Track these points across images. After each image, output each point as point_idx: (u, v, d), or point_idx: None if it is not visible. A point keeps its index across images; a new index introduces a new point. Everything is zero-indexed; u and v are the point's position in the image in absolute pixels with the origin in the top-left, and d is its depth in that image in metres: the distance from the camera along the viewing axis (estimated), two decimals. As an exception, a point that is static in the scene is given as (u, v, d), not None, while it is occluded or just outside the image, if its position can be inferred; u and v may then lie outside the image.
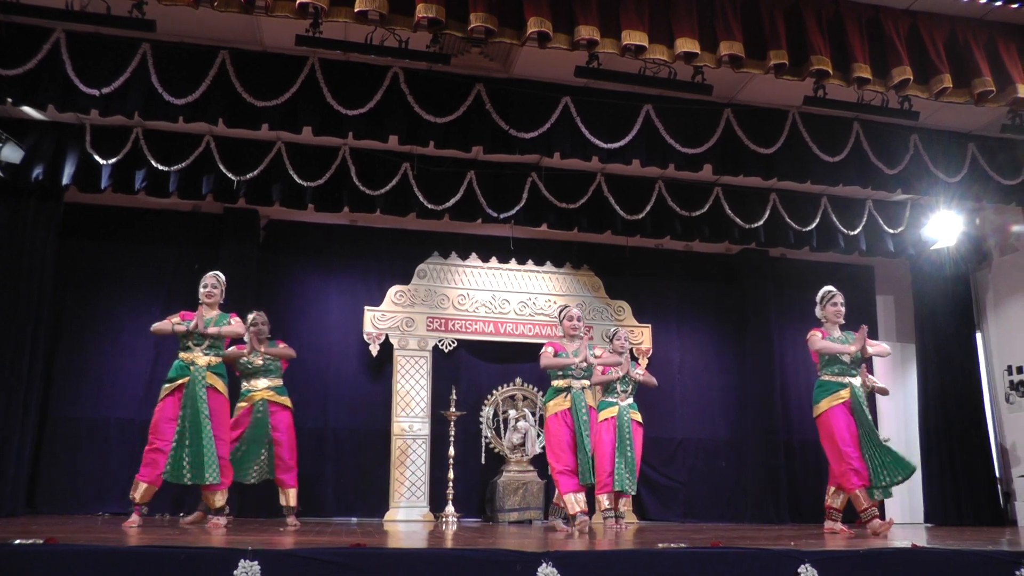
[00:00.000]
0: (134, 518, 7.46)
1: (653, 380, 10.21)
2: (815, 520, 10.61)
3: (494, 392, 11.87)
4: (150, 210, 11.02)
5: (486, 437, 11.66)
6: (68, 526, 7.27)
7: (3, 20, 7.86)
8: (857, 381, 7.88)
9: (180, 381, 7.72)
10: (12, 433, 9.54)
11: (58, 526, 7.17)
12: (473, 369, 11.96)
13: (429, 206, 10.05)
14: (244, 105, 8.34)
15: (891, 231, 11.39)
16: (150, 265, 10.87)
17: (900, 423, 12.67)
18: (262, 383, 8.91)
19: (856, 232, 11.20)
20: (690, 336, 12.85)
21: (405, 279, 11.76)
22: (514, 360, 12.05)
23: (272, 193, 9.96)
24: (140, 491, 7.59)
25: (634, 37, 7.33)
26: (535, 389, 11.93)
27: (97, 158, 9.38)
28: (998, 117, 9.08)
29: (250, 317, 9.04)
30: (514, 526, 10.19)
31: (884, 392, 8.79)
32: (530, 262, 12.19)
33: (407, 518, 10.81)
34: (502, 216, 10.37)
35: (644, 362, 12.05)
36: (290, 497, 8.88)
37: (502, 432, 11.66)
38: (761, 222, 10.88)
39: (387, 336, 11.42)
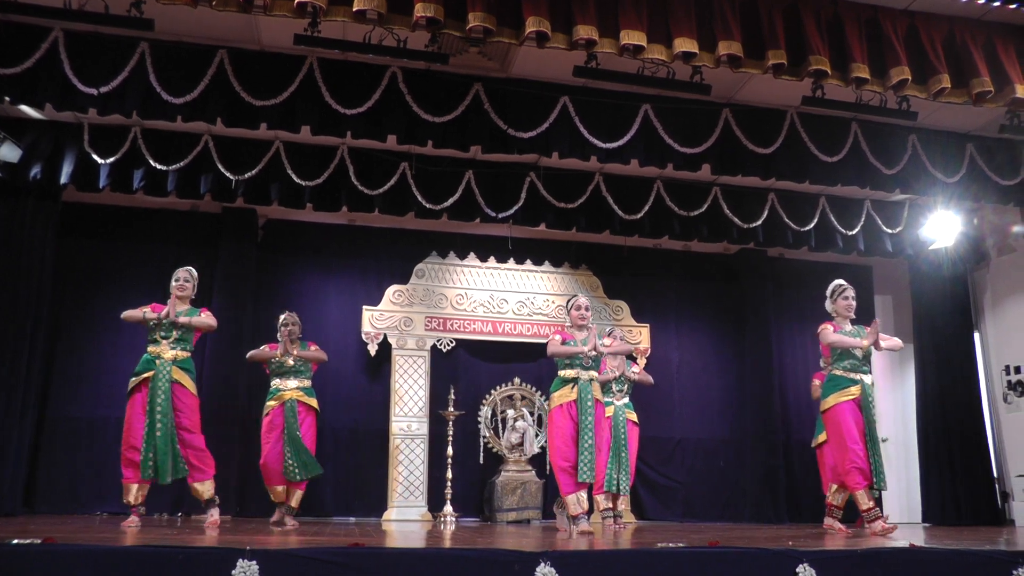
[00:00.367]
0: (132, 519, 7.42)
1: (649, 379, 10.21)
2: (813, 520, 10.62)
3: (492, 392, 11.87)
4: (148, 209, 11.03)
5: (484, 437, 11.66)
6: (66, 526, 7.26)
7: (1, 19, 7.86)
8: (868, 378, 7.76)
9: (146, 375, 7.62)
10: (10, 432, 9.53)
11: (56, 526, 7.17)
12: (471, 369, 11.96)
13: (427, 206, 10.05)
14: (242, 104, 8.33)
15: (889, 231, 11.39)
16: (148, 264, 10.85)
17: (898, 423, 12.68)
18: (292, 383, 8.88)
19: (854, 232, 11.21)
20: (688, 336, 12.86)
21: (403, 279, 11.76)
22: (512, 360, 12.05)
23: (270, 192, 9.96)
24: (132, 493, 7.55)
25: (632, 37, 7.33)
26: (533, 389, 11.94)
27: (95, 157, 9.38)
28: (996, 117, 9.08)
29: (281, 318, 9.08)
30: (512, 526, 10.19)
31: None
32: (528, 262, 12.20)
33: (405, 518, 10.81)
34: (500, 216, 10.37)
35: (643, 362, 12.06)
36: (295, 498, 8.86)
37: (500, 432, 11.66)
38: (759, 222, 10.88)
39: (385, 336, 11.43)
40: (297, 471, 8.62)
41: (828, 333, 7.86)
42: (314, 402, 8.97)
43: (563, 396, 7.57)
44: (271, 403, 8.83)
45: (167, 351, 7.69)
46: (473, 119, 8.82)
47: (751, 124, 9.38)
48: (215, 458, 10.45)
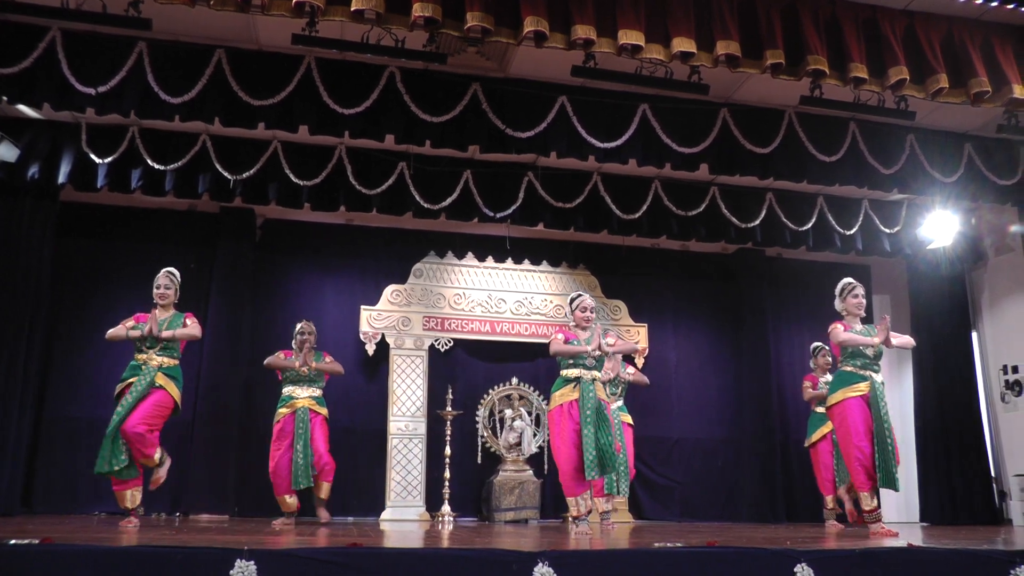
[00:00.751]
0: (132, 519, 7.36)
1: (644, 379, 10.21)
2: (811, 519, 10.62)
3: (490, 391, 11.87)
4: (146, 209, 11.02)
5: (482, 436, 11.66)
6: (64, 526, 7.25)
7: (-1, 18, 7.87)
8: (879, 377, 7.58)
9: (130, 380, 7.55)
10: (8, 432, 9.52)
11: (54, 526, 7.15)
12: (469, 368, 11.97)
13: (425, 205, 10.06)
14: (240, 104, 8.33)
15: (887, 231, 11.40)
16: (146, 264, 10.77)
17: (896, 422, 12.52)
18: (305, 392, 8.93)
19: (852, 232, 11.21)
20: (686, 335, 12.86)
21: (401, 278, 11.77)
22: (510, 359, 12.06)
23: (268, 192, 9.96)
24: (126, 499, 7.51)
25: (630, 37, 7.34)
26: (531, 388, 11.94)
27: (93, 157, 9.37)
28: (994, 117, 9.09)
29: (298, 326, 9.15)
30: (510, 525, 10.19)
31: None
32: (526, 261, 12.20)
33: (403, 518, 10.81)
34: (498, 215, 10.36)
35: (640, 361, 12.07)
36: (324, 490, 9.00)
37: (498, 431, 11.66)
38: (757, 222, 10.89)
39: (383, 335, 11.43)
40: (301, 479, 8.65)
41: (838, 332, 7.66)
42: (324, 410, 9.06)
43: (564, 396, 7.41)
44: (282, 410, 8.86)
45: (153, 359, 7.63)
46: (471, 119, 8.82)
47: (749, 124, 9.39)
48: (212, 457, 10.54)
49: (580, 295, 7.85)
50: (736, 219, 10.81)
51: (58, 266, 10.49)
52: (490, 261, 12.12)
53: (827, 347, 10.52)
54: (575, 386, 7.38)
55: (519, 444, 11.47)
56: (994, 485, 11.63)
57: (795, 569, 4.34)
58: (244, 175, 9.64)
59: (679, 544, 4.84)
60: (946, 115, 9.62)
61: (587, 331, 7.61)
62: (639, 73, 7.93)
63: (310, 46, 7.30)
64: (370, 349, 11.31)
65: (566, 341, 7.54)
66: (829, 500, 10.19)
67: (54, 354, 10.60)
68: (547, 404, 11.65)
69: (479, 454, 11.58)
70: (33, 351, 9.99)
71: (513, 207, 10.34)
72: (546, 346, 11.87)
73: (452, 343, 11.80)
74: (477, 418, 11.72)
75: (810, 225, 11.06)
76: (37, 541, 4.01)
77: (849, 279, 7.94)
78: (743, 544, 5.09)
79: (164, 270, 8.00)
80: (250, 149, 9.74)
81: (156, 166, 9.45)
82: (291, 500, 8.84)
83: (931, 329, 12.10)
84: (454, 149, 9.33)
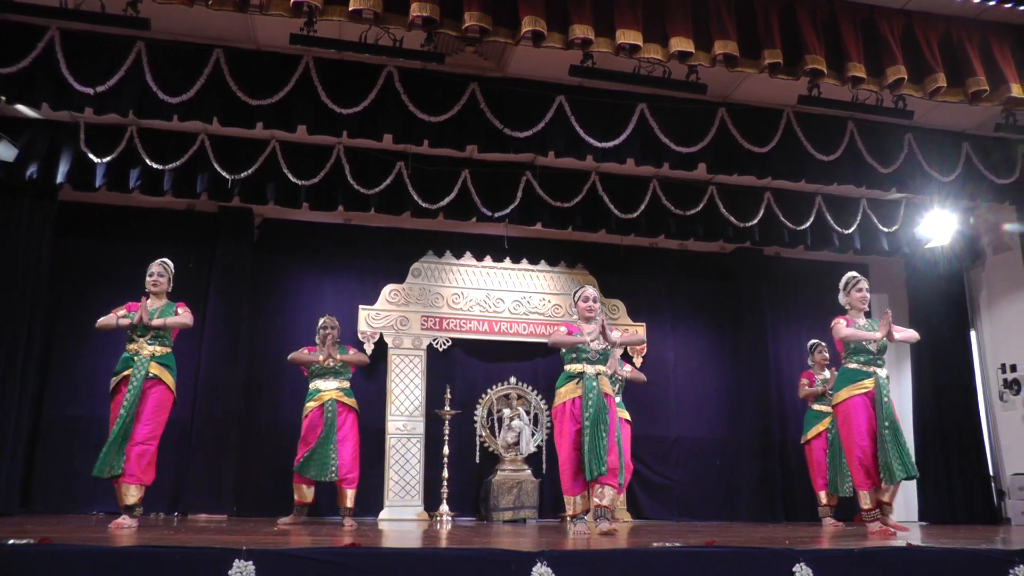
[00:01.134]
0: (124, 518, 7.24)
1: (642, 376, 10.22)
2: (810, 519, 10.63)
3: (488, 391, 11.87)
4: (145, 209, 11.01)
5: (480, 436, 11.66)
6: (63, 526, 7.25)
7: (-3, 18, 7.86)
8: (883, 372, 7.54)
9: (125, 373, 7.45)
10: (7, 432, 9.52)
11: (53, 526, 7.15)
12: (467, 368, 11.96)
13: (423, 205, 10.05)
14: (238, 104, 8.33)
15: (885, 230, 11.41)
16: (145, 264, 10.62)
17: (895, 421, 12.69)
18: (332, 384, 8.91)
19: (850, 231, 11.22)
20: (685, 335, 12.87)
21: (400, 278, 11.76)
22: (508, 359, 12.06)
23: (267, 192, 9.96)
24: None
25: (628, 36, 7.34)
26: (529, 388, 11.94)
27: (92, 157, 9.37)
28: (992, 116, 9.10)
29: (321, 321, 9.15)
30: (508, 525, 10.20)
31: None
32: (524, 261, 12.20)
33: (401, 517, 10.81)
34: (496, 215, 10.36)
35: (639, 361, 12.08)
36: (348, 498, 8.85)
37: (496, 431, 11.66)
38: (755, 221, 10.90)
39: (381, 335, 11.43)
40: (332, 472, 8.66)
41: (840, 327, 7.63)
42: (353, 402, 9.00)
43: (567, 393, 7.28)
44: (310, 404, 8.87)
45: (145, 348, 7.54)
46: (469, 118, 8.82)
47: (747, 123, 9.39)
48: (210, 457, 10.53)
49: (583, 287, 7.76)
50: (734, 218, 10.82)
51: (57, 266, 10.48)
52: (488, 260, 12.12)
53: (824, 344, 10.56)
54: (578, 382, 7.23)
55: (517, 444, 11.48)
56: (992, 484, 11.63)
57: (794, 569, 4.35)
58: (242, 175, 9.64)
59: (678, 544, 4.84)
60: (944, 114, 9.62)
61: (591, 324, 7.44)
62: (637, 73, 7.94)
63: (308, 46, 7.30)
64: (368, 349, 11.29)
65: (569, 335, 7.42)
66: (822, 496, 10.27)
67: (53, 354, 10.59)
68: (545, 404, 11.75)
69: (477, 454, 11.58)
70: (32, 351, 9.99)
71: (511, 207, 10.34)
72: (545, 346, 11.93)
73: (450, 343, 11.80)
74: (475, 418, 11.71)
75: (808, 224, 11.07)
76: (35, 541, 4.01)
77: (853, 273, 7.89)
78: (742, 544, 5.10)
79: (158, 260, 7.96)
80: (248, 149, 9.74)
81: (154, 166, 9.44)
82: (308, 490, 8.83)
83: (929, 328, 12.09)
84: (452, 149, 9.33)
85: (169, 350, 7.70)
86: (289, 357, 9.16)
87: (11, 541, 3.94)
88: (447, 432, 10.61)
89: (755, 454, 12.20)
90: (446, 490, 10.41)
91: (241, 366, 10.97)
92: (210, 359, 10.82)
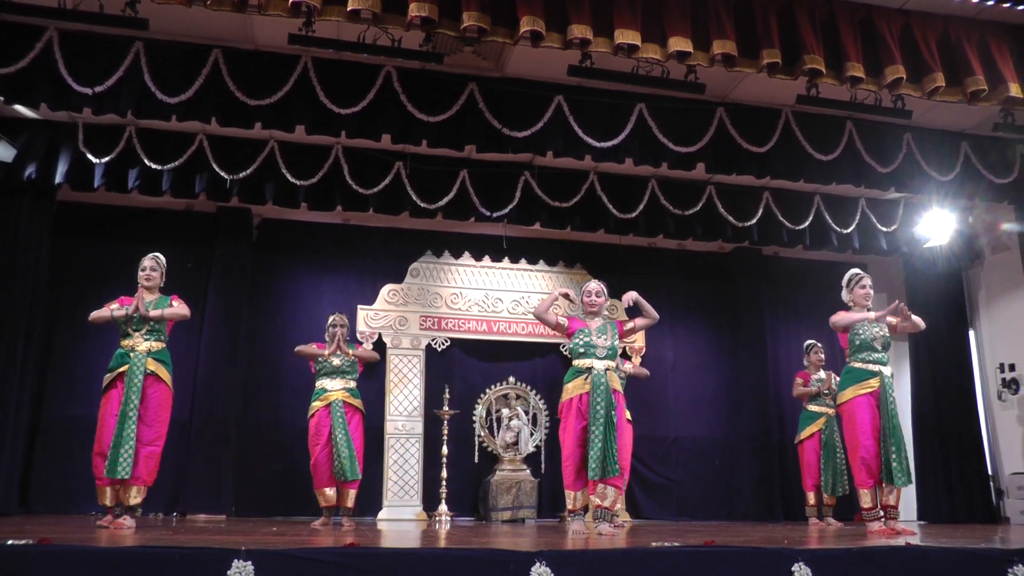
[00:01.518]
0: (108, 518, 7.14)
1: (644, 371, 10.22)
2: (808, 518, 10.62)
3: (487, 391, 11.88)
4: (144, 209, 11.02)
5: (479, 436, 11.66)
6: (62, 526, 7.24)
7: (-4, 18, 7.86)
8: (887, 370, 7.50)
9: (120, 370, 7.28)
10: (6, 432, 9.53)
11: (52, 526, 7.15)
12: (466, 368, 11.97)
13: (422, 205, 10.06)
14: (237, 104, 8.32)
15: (884, 229, 11.41)
16: (144, 264, 10.85)
17: (895, 420, 12.69)
18: (339, 384, 8.84)
19: (849, 230, 11.22)
20: (683, 334, 12.87)
21: (398, 278, 11.77)
22: (507, 359, 12.07)
23: (265, 192, 9.96)
24: (107, 496, 7.22)
25: (627, 36, 7.34)
26: (528, 388, 11.94)
27: (90, 157, 9.37)
28: (990, 116, 9.10)
29: (331, 319, 9.08)
30: (507, 525, 10.20)
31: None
32: (523, 261, 12.20)
33: (400, 517, 10.82)
34: (495, 215, 10.36)
35: (637, 360, 12.08)
36: (349, 498, 8.82)
37: (495, 431, 11.66)
38: (754, 220, 10.90)
39: (380, 335, 11.43)
40: (347, 471, 8.58)
41: (837, 316, 7.63)
42: (359, 403, 8.94)
43: (574, 388, 7.16)
44: (316, 404, 8.80)
45: (141, 343, 7.36)
46: (468, 118, 8.82)
47: (746, 123, 9.39)
48: (210, 457, 10.54)
49: (588, 282, 7.71)
50: (733, 218, 10.82)
51: (55, 266, 10.49)
52: (487, 260, 12.13)
53: (820, 345, 10.57)
54: (587, 378, 7.11)
55: (516, 443, 11.48)
56: (991, 483, 11.64)
57: (793, 568, 4.34)
58: (241, 175, 9.63)
59: (677, 544, 4.84)
60: (942, 114, 9.62)
61: (598, 319, 7.43)
62: (635, 72, 7.94)
63: (307, 46, 7.29)
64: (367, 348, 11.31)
65: (572, 330, 7.36)
66: (811, 497, 10.33)
67: (52, 354, 10.60)
68: (544, 403, 11.76)
69: (476, 453, 11.58)
70: (31, 351, 10.00)
71: (510, 206, 10.34)
72: (543, 345, 11.99)
73: (449, 342, 11.81)
74: (474, 417, 11.72)
75: (807, 224, 11.08)
76: (34, 541, 4.00)
77: (856, 270, 7.84)
78: (741, 543, 5.10)
79: (151, 254, 7.82)
80: (247, 149, 9.74)
81: (153, 166, 9.43)
82: (330, 493, 8.76)
83: (928, 327, 12.06)
84: (451, 149, 9.31)
85: (165, 345, 7.54)
86: (296, 349, 9.10)
87: (10, 541, 3.94)
88: (446, 432, 10.60)
89: (754, 453, 12.22)
90: (445, 490, 10.40)
91: (240, 366, 10.97)
92: (209, 359, 10.83)
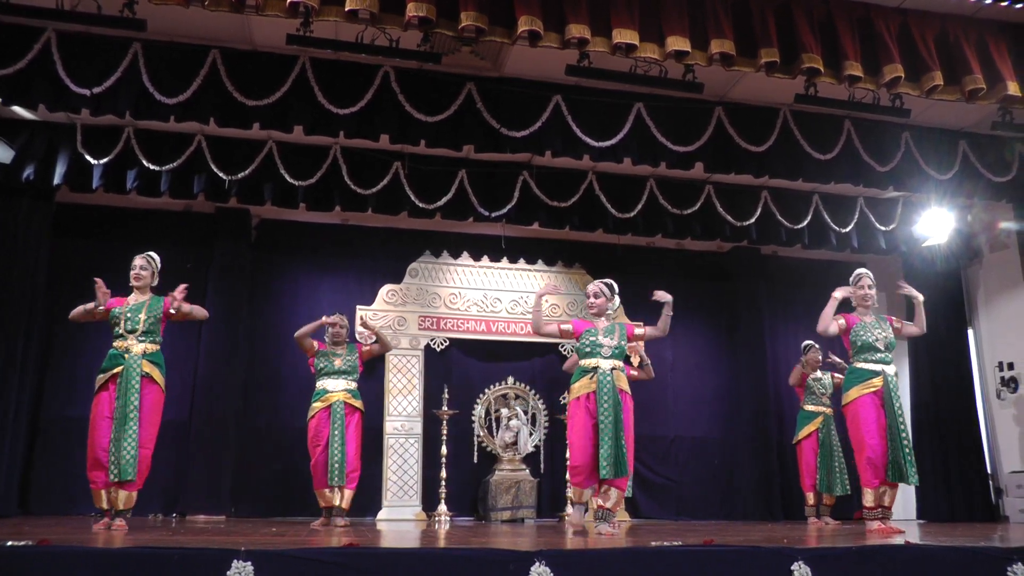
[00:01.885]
0: (105, 520, 7.07)
1: (649, 372, 10.21)
2: (807, 518, 10.63)
3: (486, 391, 11.87)
4: (142, 210, 11.02)
5: (478, 436, 11.66)
6: (61, 527, 7.24)
7: (-7, 20, 7.86)
8: (891, 370, 7.54)
9: (114, 371, 7.17)
10: (5, 433, 9.54)
11: (51, 527, 7.14)
12: (465, 368, 11.97)
13: (421, 205, 10.06)
14: (235, 104, 8.32)
15: (883, 228, 11.42)
16: (142, 265, 10.84)
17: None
18: (340, 384, 8.84)
19: (848, 229, 11.23)
20: (682, 334, 12.83)
21: (397, 278, 11.77)
22: (506, 359, 12.07)
23: (264, 192, 9.95)
24: (103, 499, 7.15)
25: (625, 36, 7.34)
26: (527, 388, 11.94)
27: (88, 158, 9.37)
28: (989, 114, 9.11)
29: (331, 319, 9.10)
30: (506, 525, 10.20)
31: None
32: (522, 260, 12.20)
33: (399, 517, 10.81)
34: (494, 215, 10.36)
35: (636, 359, 12.06)
36: (345, 499, 8.78)
37: (494, 431, 11.66)
38: (752, 220, 10.91)
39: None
40: (336, 475, 8.57)
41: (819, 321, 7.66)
42: (360, 403, 8.93)
43: (580, 388, 7.12)
44: (316, 404, 8.79)
45: (136, 345, 7.26)
46: (466, 118, 8.83)
47: (744, 122, 9.40)
48: (209, 457, 10.54)
49: (591, 283, 7.63)
50: (731, 217, 10.82)
51: (54, 267, 10.49)
52: (485, 260, 12.12)
53: (817, 345, 10.56)
54: (592, 377, 7.07)
55: (515, 443, 11.48)
56: (990, 482, 11.64)
57: (792, 567, 4.34)
58: (239, 175, 9.63)
59: (676, 543, 4.84)
60: (941, 112, 9.63)
61: (604, 320, 7.39)
62: (633, 72, 7.94)
63: (305, 46, 7.29)
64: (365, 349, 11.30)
65: (579, 332, 7.31)
66: (810, 497, 10.33)
67: (52, 354, 10.60)
68: (543, 403, 11.76)
69: (475, 453, 11.59)
70: (30, 352, 10.00)
71: (508, 206, 10.34)
72: (542, 345, 11.98)
73: (448, 343, 11.80)
74: (473, 417, 11.72)
75: (806, 223, 11.08)
76: (34, 542, 4.00)
77: (861, 270, 7.87)
78: (740, 543, 5.10)
79: (142, 253, 7.78)
80: (245, 149, 9.73)
81: (151, 167, 9.43)
82: (330, 494, 8.73)
83: (927, 326, 12.11)
84: (449, 149, 9.30)
85: (159, 347, 7.45)
86: (296, 334, 9.07)
87: (10, 543, 3.94)
88: (445, 432, 10.59)
89: (753, 453, 12.22)
90: (444, 490, 10.39)
91: (239, 366, 10.97)
92: (208, 359, 10.83)
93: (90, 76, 7.97)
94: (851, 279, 7.81)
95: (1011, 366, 11.34)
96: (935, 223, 11.44)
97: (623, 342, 7.34)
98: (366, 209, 10.19)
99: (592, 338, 7.24)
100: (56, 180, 9.51)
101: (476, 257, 12.11)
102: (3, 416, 9.55)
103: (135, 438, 7.04)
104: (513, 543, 5.23)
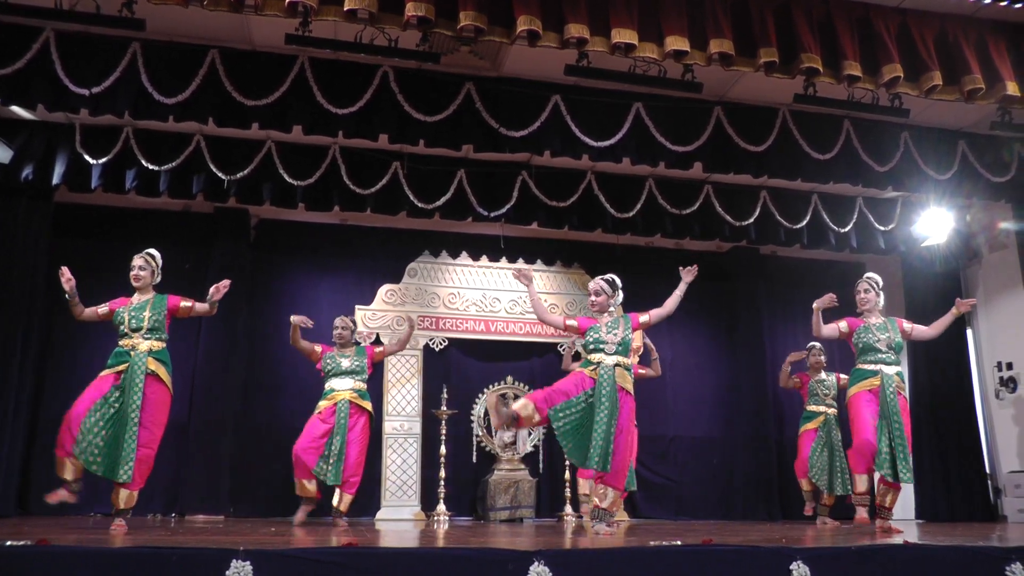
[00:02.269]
0: (62, 492, 7.12)
1: (657, 369, 10.19)
2: (807, 517, 10.63)
3: (485, 390, 11.85)
4: (141, 210, 11.01)
5: (477, 436, 11.65)
6: (60, 527, 7.24)
7: (-8, 20, 7.85)
8: (891, 369, 7.83)
9: (119, 368, 7.18)
10: (3, 433, 9.52)
11: (50, 527, 7.14)
12: (464, 368, 11.96)
13: (420, 205, 10.05)
14: (234, 104, 8.32)
15: (882, 228, 11.41)
16: (142, 265, 10.83)
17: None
18: (347, 384, 8.87)
19: (847, 229, 11.22)
20: (681, 334, 12.85)
21: (396, 278, 11.76)
22: (505, 358, 12.06)
23: (263, 192, 9.94)
24: (67, 469, 7.17)
25: (624, 35, 7.34)
26: (526, 387, 11.92)
27: (87, 158, 9.35)
28: (988, 114, 9.11)
29: (336, 321, 9.21)
30: (505, 524, 10.19)
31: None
32: (521, 260, 12.17)
33: (398, 517, 10.81)
34: (492, 215, 10.36)
35: (635, 359, 12.06)
36: (344, 502, 8.79)
37: (493, 431, 11.65)
38: (752, 220, 10.90)
39: (378, 335, 11.41)
40: (330, 475, 8.55)
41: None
42: (368, 404, 8.95)
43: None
44: (322, 403, 8.83)
45: (142, 343, 7.26)
46: (465, 118, 8.82)
47: (743, 122, 9.40)
48: (208, 458, 10.52)
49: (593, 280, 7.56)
50: (730, 217, 10.82)
51: (53, 267, 10.42)
52: (484, 260, 12.12)
53: (819, 347, 10.56)
54: (595, 370, 7.06)
55: (514, 443, 11.47)
56: (989, 482, 11.65)
57: (791, 567, 4.35)
58: (238, 175, 9.62)
59: (675, 543, 4.84)
60: (940, 112, 9.63)
61: (607, 316, 7.37)
62: (632, 72, 7.94)
63: (303, 46, 7.29)
64: (365, 349, 11.31)
65: (583, 329, 7.29)
66: (804, 483, 10.34)
67: (51, 354, 10.58)
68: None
69: (474, 453, 11.58)
70: (29, 352, 9.99)
71: (507, 206, 10.34)
72: (541, 345, 11.98)
73: (447, 342, 11.80)
74: (472, 417, 11.71)
75: (805, 223, 11.07)
76: (33, 542, 4.00)
77: (868, 274, 8.29)
78: (739, 542, 5.10)
79: (142, 252, 7.78)
80: (244, 149, 9.72)
81: (150, 167, 9.41)
82: (310, 486, 8.67)
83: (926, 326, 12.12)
84: (448, 148, 9.30)
85: (165, 345, 7.43)
86: (292, 318, 9.09)
87: (9, 543, 3.94)
88: (444, 432, 10.57)
89: (752, 452, 12.22)
90: (443, 490, 10.38)
91: (239, 367, 10.96)
92: (207, 359, 10.81)
93: (89, 76, 7.97)
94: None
95: (1010, 366, 11.34)
96: (934, 223, 11.44)
97: (628, 335, 7.28)
98: (365, 209, 10.18)
99: (596, 335, 7.21)
100: (55, 180, 9.50)
101: (475, 257, 12.10)
102: (2, 416, 9.53)
103: (135, 438, 7.01)
104: (512, 543, 5.23)
